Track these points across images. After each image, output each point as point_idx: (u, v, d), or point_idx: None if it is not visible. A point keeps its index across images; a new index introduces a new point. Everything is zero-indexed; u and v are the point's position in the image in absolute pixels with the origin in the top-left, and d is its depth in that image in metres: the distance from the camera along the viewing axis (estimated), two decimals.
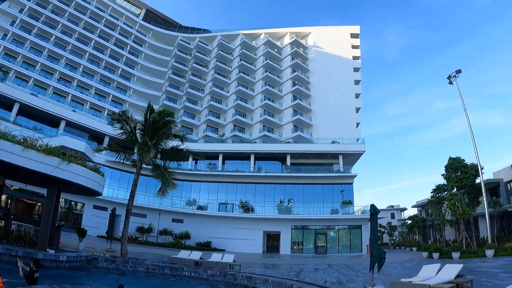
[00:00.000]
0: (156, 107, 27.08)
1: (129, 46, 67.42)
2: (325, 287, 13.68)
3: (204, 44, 72.67)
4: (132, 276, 17.58)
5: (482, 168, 34.03)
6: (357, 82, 67.56)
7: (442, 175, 38.43)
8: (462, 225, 35.83)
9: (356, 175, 53.54)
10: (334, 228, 50.68)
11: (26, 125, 43.25)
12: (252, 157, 56.36)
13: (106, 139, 50.06)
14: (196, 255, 23.24)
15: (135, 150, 25.28)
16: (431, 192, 42.28)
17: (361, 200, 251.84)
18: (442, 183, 40.23)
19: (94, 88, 59.18)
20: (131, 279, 16.91)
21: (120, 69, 64.33)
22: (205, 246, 44.16)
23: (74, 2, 62.46)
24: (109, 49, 64.18)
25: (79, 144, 41.12)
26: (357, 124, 64.58)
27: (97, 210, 44.63)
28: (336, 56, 67.93)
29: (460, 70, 36.09)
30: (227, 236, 47.78)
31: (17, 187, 30.82)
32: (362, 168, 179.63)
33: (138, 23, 70.47)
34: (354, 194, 52.71)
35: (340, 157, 55.93)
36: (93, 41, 62.35)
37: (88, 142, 45.98)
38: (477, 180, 36.11)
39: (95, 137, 49.72)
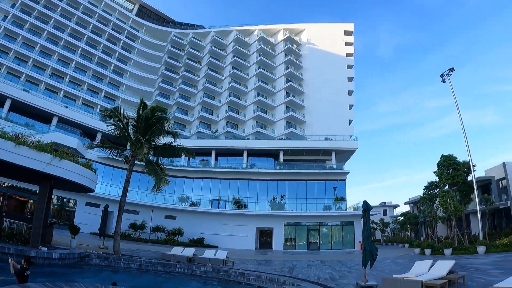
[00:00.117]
0: (149, 103, 27.05)
1: (122, 41, 67.03)
2: (318, 283, 13.72)
3: (198, 40, 72.51)
4: (125, 273, 17.58)
5: (474, 166, 34.23)
6: (350, 79, 67.76)
7: (434, 172, 38.70)
8: (454, 222, 36.08)
9: (348, 172, 53.69)
10: (326, 224, 50.84)
11: (18, 121, 42.88)
12: (245, 154, 56.36)
13: (99, 136, 49.82)
14: (189, 251, 23.25)
15: (128, 147, 25.20)
16: (423, 189, 42.62)
17: (354, 197, 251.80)
18: (434, 180, 40.54)
19: (86, 84, 58.84)
20: (124, 276, 16.91)
21: (112, 65, 64.00)
22: (198, 243, 44.14)
23: None
24: (101, 45, 63.78)
25: (71, 141, 40.85)
26: (350, 121, 64.87)
27: (90, 207, 44.42)
28: (329, 53, 68.07)
29: (453, 68, 36.18)
30: (220, 232, 47.80)
31: (9, 184, 30.57)
32: (354, 165, 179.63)
33: (131, 19, 70.06)
34: (346, 191, 52.96)
35: (333, 154, 56.08)
36: (86, 36, 61.93)
37: (81, 138, 45.67)
38: (469, 178, 36.39)
39: (88, 133, 49.45)
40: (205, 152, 56.28)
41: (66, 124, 47.27)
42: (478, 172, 40.08)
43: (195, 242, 44.16)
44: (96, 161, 43.77)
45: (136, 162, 24.54)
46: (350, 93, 67.09)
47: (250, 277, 15.93)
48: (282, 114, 63.67)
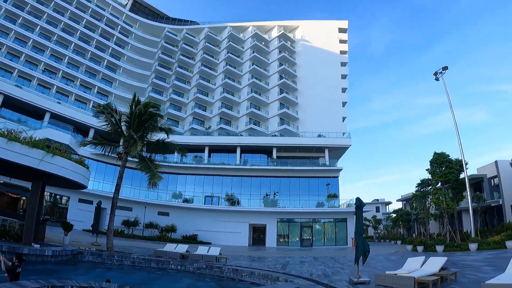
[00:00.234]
0: (142, 99, 26.91)
1: (115, 37, 66.60)
2: (311, 279, 13.77)
3: (191, 36, 72.21)
4: (119, 270, 17.55)
5: (466, 164, 34.49)
6: (344, 77, 67.85)
7: (426, 169, 38.86)
8: (446, 219, 36.31)
9: (341, 169, 53.84)
10: (319, 221, 51.04)
11: (10, 117, 42.65)
12: (238, 150, 56.34)
13: (92, 132, 49.57)
14: (182, 248, 23.30)
15: (121, 143, 25.13)
16: (416, 186, 42.75)
17: (347, 194, 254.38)
18: (426, 178, 40.68)
19: (79, 79, 58.41)
20: (117, 273, 16.89)
21: (106, 61, 63.55)
22: (191, 239, 44.15)
23: None
24: (95, 40, 63.31)
25: (64, 137, 40.73)
26: (343, 118, 65.01)
27: (83, 204, 44.29)
28: (323, 50, 68.06)
29: (447, 67, 36.35)
30: (213, 229, 47.85)
31: (1, 181, 30.47)
32: (347, 162, 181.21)
33: (125, 14, 69.61)
34: (339, 188, 53.23)
35: (326, 151, 56.23)
36: (79, 31, 61.43)
37: (73, 134, 45.50)
38: (461, 175, 36.62)
39: (80, 129, 49.23)
40: (198, 148, 56.23)
41: (59, 120, 46.99)
42: (470, 170, 40.37)
43: (188, 238, 44.16)
44: (88, 158, 43.57)
45: (129, 158, 24.52)
46: (343, 90, 67.19)
47: (244, 273, 15.96)
48: (275, 110, 63.66)
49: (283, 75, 66.43)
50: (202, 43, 70.89)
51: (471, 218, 32.43)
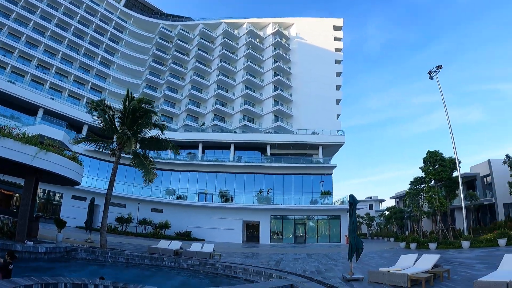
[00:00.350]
0: (136, 95, 26.81)
1: (109, 32, 66.21)
2: (304, 276, 13.78)
3: (186, 32, 71.96)
4: (112, 267, 17.50)
5: (459, 162, 34.71)
6: (338, 74, 68.00)
7: (420, 168, 39.05)
8: (439, 217, 36.52)
9: (335, 166, 53.99)
10: (313, 218, 51.18)
11: (3, 113, 42.40)
12: (232, 147, 56.38)
13: (85, 128, 49.33)
14: (175, 245, 23.26)
15: (114, 139, 25.02)
16: (409, 184, 42.98)
17: (340, 191, 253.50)
18: (420, 176, 40.89)
19: (73, 75, 58.05)
20: (111, 270, 16.84)
21: (100, 56, 63.19)
22: (185, 236, 44.15)
23: None
24: (89, 36, 62.87)
25: (57, 133, 40.38)
26: (337, 116, 65.19)
27: (76, 200, 44.05)
28: (318, 48, 68.14)
29: (441, 66, 36.50)
30: (206, 225, 47.83)
31: None
32: (341, 160, 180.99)
33: (119, 9, 69.14)
34: (333, 185, 53.37)
35: (320, 148, 56.39)
36: (73, 27, 60.99)
37: (67, 131, 45.17)
38: (455, 174, 36.87)
39: (74, 125, 48.92)
40: (192, 145, 56.19)
41: (52, 116, 46.69)
42: (464, 168, 40.74)
43: (182, 235, 44.16)
44: (82, 154, 43.32)
45: (123, 155, 24.42)
46: (338, 88, 67.36)
47: (237, 270, 15.95)
48: (269, 107, 63.72)
49: (277, 72, 66.43)
50: (197, 40, 70.70)
51: (464, 216, 32.66)
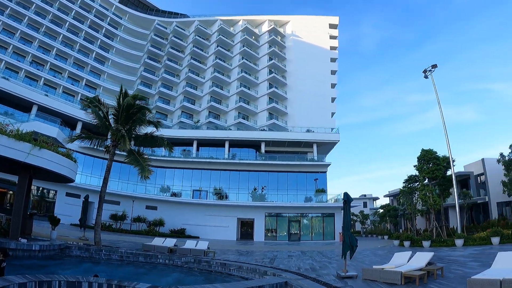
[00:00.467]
0: (130, 92, 26.80)
1: (104, 29, 65.84)
2: (299, 273, 13.83)
3: (181, 29, 71.78)
4: (106, 264, 17.50)
5: (453, 161, 34.84)
6: (333, 72, 68.08)
7: (414, 166, 39.18)
8: (432, 215, 36.67)
9: (330, 164, 54.17)
10: (307, 216, 51.34)
11: None
12: (227, 144, 56.37)
13: (79, 125, 49.06)
14: (170, 242, 23.25)
15: (109, 136, 24.95)
16: (403, 182, 43.14)
17: (335, 189, 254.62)
18: (414, 174, 41.03)
19: (67, 72, 57.62)
20: (105, 267, 16.83)
21: (94, 53, 62.79)
22: (179, 233, 44.17)
23: None
24: (83, 32, 62.46)
25: (51, 130, 40.23)
26: (332, 114, 65.35)
27: (70, 198, 43.92)
28: (313, 46, 68.19)
29: (436, 65, 36.55)
30: (201, 223, 47.86)
31: None
32: (336, 157, 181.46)
33: (114, 6, 68.67)
34: (327, 183, 53.48)
35: (314, 146, 56.50)
36: (68, 23, 60.49)
37: (61, 127, 44.93)
38: (449, 172, 37.01)
39: (68, 122, 48.64)
40: (187, 142, 56.10)
41: (46, 113, 46.29)
42: (458, 167, 40.94)
43: (176, 232, 44.17)
44: (76, 151, 43.06)
45: (117, 152, 24.40)
46: (333, 86, 67.46)
47: (231, 267, 15.98)
48: (264, 105, 63.72)
49: (272, 70, 66.42)
50: (192, 36, 70.51)
51: (458, 214, 32.82)
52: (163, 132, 28.04)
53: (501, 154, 35.25)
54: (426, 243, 28.96)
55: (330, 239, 47.91)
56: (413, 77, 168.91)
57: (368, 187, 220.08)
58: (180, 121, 63.06)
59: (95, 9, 65.55)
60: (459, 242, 27.04)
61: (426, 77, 37.34)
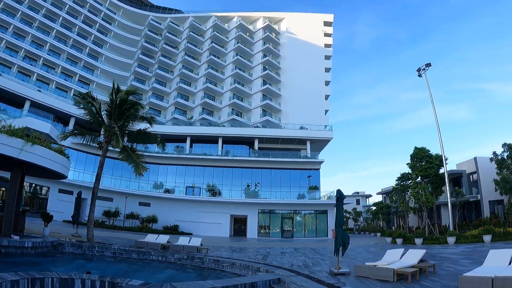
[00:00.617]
0: (124, 88, 26.61)
1: (98, 24, 65.31)
2: (292, 270, 13.83)
3: (176, 24, 71.52)
4: (99, 261, 17.44)
5: (446, 159, 34.99)
6: (327, 70, 68.25)
7: (407, 164, 39.22)
8: (425, 212, 36.78)
9: (323, 161, 54.27)
10: (300, 212, 51.48)
11: None
12: (220, 141, 56.34)
13: (72, 121, 48.81)
14: (163, 239, 23.22)
15: (102, 132, 24.84)
16: (396, 180, 43.20)
17: (328, 186, 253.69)
18: (407, 172, 41.13)
19: (60, 67, 57.15)
20: (98, 264, 16.77)
21: (88, 48, 62.34)
22: (172, 230, 44.16)
23: None
24: (77, 27, 61.97)
25: (44, 126, 39.93)
26: (326, 111, 65.44)
27: (63, 194, 43.66)
28: (308, 43, 68.22)
29: (430, 63, 36.67)
30: (194, 219, 47.84)
31: None
32: (329, 155, 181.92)
33: (108, 1, 68.02)
34: (320, 180, 53.55)
35: (308, 143, 56.62)
36: (61, 18, 59.95)
37: (54, 123, 44.62)
38: (441, 170, 37.11)
39: (61, 118, 48.34)
40: (180, 138, 56.05)
41: (39, 108, 46.02)
42: (450, 165, 40.99)
43: (169, 229, 44.15)
44: (69, 147, 42.88)
45: (110, 148, 24.28)
46: (327, 83, 67.62)
47: (224, 264, 15.97)
48: (258, 102, 63.73)
49: (266, 67, 66.45)
50: (186, 32, 70.27)
51: (450, 212, 33.02)
52: (156, 129, 27.99)
53: (494, 153, 35.43)
54: (418, 241, 29.13)
55: (323, 236, 48.08)
56: (407, 75, 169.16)
57: (361, 185, 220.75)
58: (174, 117, 62.94)
59: (89, 4, 65.00)
60: (451, 239, 27.22)
61: (420, 75, 37.46)
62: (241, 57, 67.61)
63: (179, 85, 65.46)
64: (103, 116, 23.97)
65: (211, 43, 68.93)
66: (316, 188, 52.03)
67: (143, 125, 25.74)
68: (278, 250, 25.72)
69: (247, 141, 57.45)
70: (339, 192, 13.68)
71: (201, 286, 8.07)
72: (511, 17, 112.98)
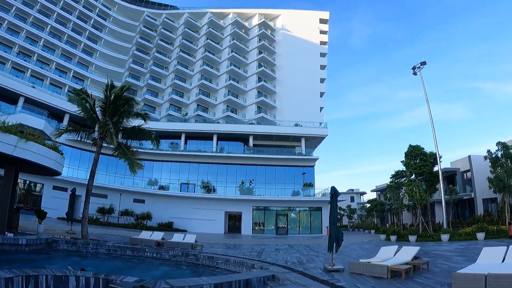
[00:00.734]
0: (118, 84, 26.57)
1: (93, 20, 64.83)
2: (286, 267, 13.87)
3: (171, 21, 71.23)
4: (94, 258, 17.40)
5: (440, 157, 35.15)
6: (322, 67, 68.32)
7: (401, 161, 39.39)
8: (419, 210, 36.96)
9: (317, 158, 54.42)
10: (295, 209, 51.59)
11: None
12: (215, 137, 56.32)
13: (66, 117, 48.56)
14: (157, 235, 23.16)
15: (96, 129, 24.75)
16: (390, 178, 43.37)
17: (322, 183, 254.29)
18: (401, 169, 41.27)
19: (55, 63, 56.74)
20: (92, 261, 16.74)
21: (82, 44, 61.93)
22: (167, 227, 44.16)
23: None
24: (71, 23, 61.44)
25: (38, 122, 39.62)
26: (321, 109, 65.53)
27: (57, 191, 43.51)
28: (303, 40, 68.26)
29: (425, 62, 36.74)
30: (188, 216, 47.86)
31: None
32: (324, 152, 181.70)
33: None
34: (315, 177, 53.78)
35: (303, 140, 56.71)
36: (56, 13, 59.36)
37: (48, 120, 44.33)
38: (435, 168, 37.30)
39: (55, 114, 48.09)
40: (175, 135, 56.02)
41: (33, 105, 45.62)
42: (444, 163, 41.24)
43: (164, 226, 44.15)
44: (63, 143, 42.52)
45: (105, 144, 24.21)
46: (322, 80, 67.67)
47: (219, 260, 15.99)
48: (253, 99, 63.74)
49: (262, 64, 66.42)
50: (182, 29, 70.08)
51: (444, 210, 33.19)
52: (151, 125, 27.97)
53: (489, 151, 35.54)
54: (412, 238, 29.24)
55: (318, 233, 48.21)
56: (403, 74, 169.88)
57: (356, 182, 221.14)
58: (168, 114, 62.83)
59: None
60: (445, 237, 27.35)
61: (415, 73, 37.52)
62: (237, 53, 67.54)
63: (174, 81, 65.33)
64: (97, 113, 23.87)
65: (207, 39, 68.77)
66: (310, 185, 52.18)
67: (137, 122, 25.65)
68: (272, 247, 25.75)
69: (242, 138, 57.46)
70: (333, 189, 13.68)
71: (195, 282, 8.08)
72: (508, 17, 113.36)
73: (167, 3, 73.76)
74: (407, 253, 13.29)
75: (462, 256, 16.97)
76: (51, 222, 32.31)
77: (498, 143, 34.40)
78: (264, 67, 65.77)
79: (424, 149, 37.97)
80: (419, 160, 37.33)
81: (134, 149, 25.33)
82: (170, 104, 64.99)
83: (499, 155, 34.23)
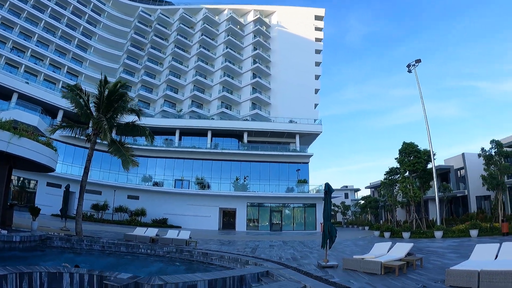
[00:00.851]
0: (113, 80, 26.45)
1: (87, 15, 64.38)
2: (280, 263, 13.90)
3: (166, 16, 70.89)
4: (88, 255, 17.38)
5: (434, 154, 35.38)
6: (317, 64, 68.35)
7: (395, 158, 39.51)
8: (413, 207, 37.13)
9: (312, 155, 54.52)
10: (289, 206, 51.64)
11: None
12: (209, 134, 56.30)
13: (60, 113, 48.21)
14: (152, 232, 23.19)
15: (90, 125, 24.66)
16: (384, 174, 43.46)
17: (316, 180, 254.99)
18: (395, 166, 41.42)
19: (48, 59, 56.34)
20: (86, 258, 16.72)
21: (76, 40, 61.55)
22: (161, 223, 44.09)
23: None
24: (66, 18, 61.00)
25: (32, 118, 39.38)
26: (315, 105, 65.61)
27: (51, 188, 43.22)
28: (298, 37, 68.22)
29: (420, 60, 36.91)
30: (183, 212, 47.80)
31: None
32: (318, 149, 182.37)
33: None
34: (309, 174, 53.91)
35: (297, 137, 56.77)
36: (50, 8, 58.95)
37: (42, 116, 44.07)
38: (429, 166, 37.48)
39: (49, 110, 47.75)
40: (169, 131, 55.94)
41: (27, 101, 45.29)
42: (438, 160, 41.51)
43: (158, 222, 44.07)
44: (57, 140, 42.34)
45: (99, 140, 24.11)
46: (317, 77, 67.70)
47: (213, 257, 15.99)
48: (248, 95, 63.71)
49: (256, 60, 66.40)
50: (176, 24, 69.81)
51: (437, 207, 33.41)
52: (145, 121, 27.91)
53: (482, 149, 35.72)
54: (406, 234, 29.41)
55: (312, 229, 48.32)
56: (398, 72, 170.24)
57: (350, 179, 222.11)
58: (163, 110, 62.64)
59: None
60: (438, 234, 27.53)
61: (409, 71, 37.67)
62: (231, 50, 67.43)
63: (169, 77, 65.18)
64: (91, 109, 23.75)
65: (201, 35, 68.62)
66: (305, 181, 52.28)
67: (131, 118, 25.53)
68: (266, 243, 25.79)
69: (236, 134, 57.47)
70: (327, 185, 13.71)
71: (189, 279, 8.10)
72: (504, 17, 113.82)
73: None
74: (401, 249, 13.36)
75: (455, 253, 17.08)
76: (45, 219, 32.20)
77: (492, 141, 34.61)
78: (259, 63, 65.73)
79: (418, 146, 38.11)
80: (413, 157, 37.47)
81: (128, 146, 25.28)
82: (165, 100, 64.81)
83: (493, 153, 34.45)
